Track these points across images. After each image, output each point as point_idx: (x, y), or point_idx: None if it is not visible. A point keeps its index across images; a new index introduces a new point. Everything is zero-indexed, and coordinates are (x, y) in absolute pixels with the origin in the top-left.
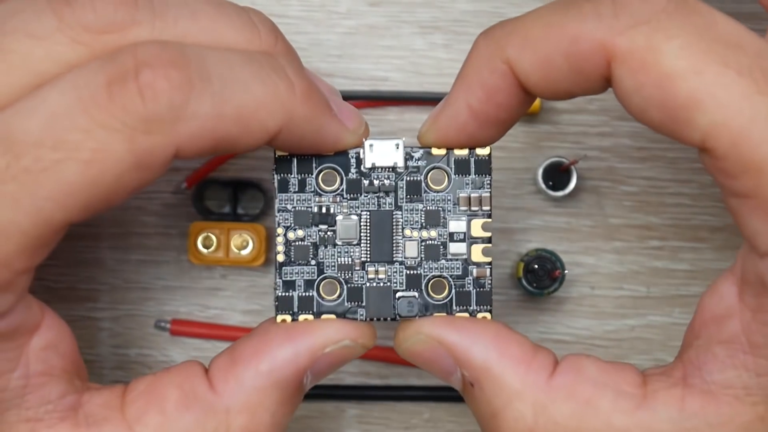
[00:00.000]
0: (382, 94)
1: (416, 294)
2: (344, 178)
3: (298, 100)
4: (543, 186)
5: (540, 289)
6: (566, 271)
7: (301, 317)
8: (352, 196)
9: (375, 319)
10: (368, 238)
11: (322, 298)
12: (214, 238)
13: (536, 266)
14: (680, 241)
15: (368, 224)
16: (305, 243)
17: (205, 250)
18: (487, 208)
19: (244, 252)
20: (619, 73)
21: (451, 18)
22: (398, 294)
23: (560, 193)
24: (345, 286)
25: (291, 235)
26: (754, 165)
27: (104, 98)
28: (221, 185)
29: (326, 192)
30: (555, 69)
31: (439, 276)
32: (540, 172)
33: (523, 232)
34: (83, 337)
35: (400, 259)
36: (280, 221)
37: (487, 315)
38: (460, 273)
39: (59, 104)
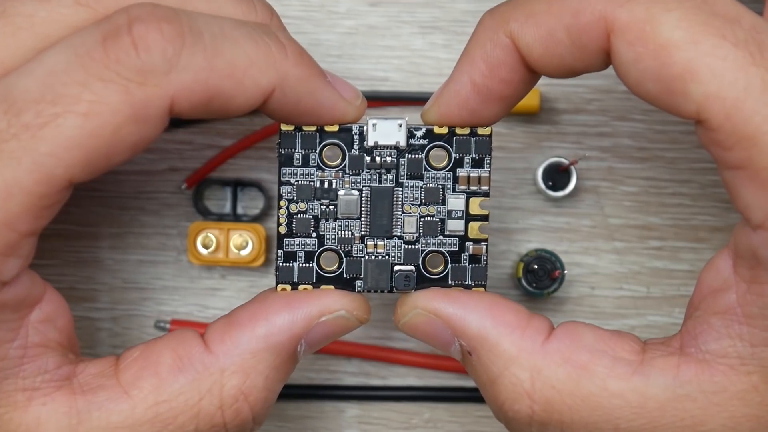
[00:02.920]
0: (382, 94)
1: (413, 268)
2: (347, 154)
3: (290, 61)
4: (543, 186)
5: (540, 289)
6: (566, 272)
7: (301, 287)
8: (353, 172)
9: (372, 290)
10: (368, 213)
11: (322, 270)
12: (213, 238)
13: (536, 266)
14: (680, 242)
15: (369, 200)
16: (307, 216)
17: (204, 251)
18: (486, 187)
19: (244, 252)
20: (618, 45)
21: (451, 18)
22: (396, 267)
23: (560, 193)
24: (344, 259)
25: (293, 207)
26: (746, 136)
27: (99, 52)
28: (221, 185)
29: (329, 167)
30: (557, 42)
31: (437, 251)
32: (540, 172)
33: (523, 232)
34: (82, 337)
35: (398, 234)
36: (283, 194)
37: (482, 290)
38: (456, 249)
39: (57, 62)
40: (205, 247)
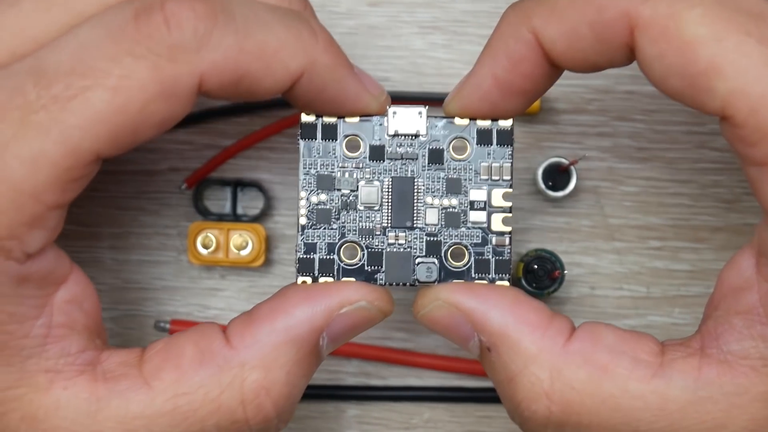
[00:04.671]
0: None
1: (435, 260)
2: (368, 144)
3: (320, 48)
4: (543, 186)
5: (540, 289)
6: (566, 272)
7: (322, 279)
8: (374, 162)
9: (394, 284)
10: (389, 204)
11: (343, 262)
12: (213, 238)
13: (536, 266)
14: (680, 242)
15: (390, 190)
16: (327, 207)
17: (204, 251)
18: (508, 178)
19: (244, 252)
20: (642, 41)
21: (451, 18)
22: (417, 260)
23: (560, 194)
24: (365, 251)
25: (314, 198)
26: None
27: (131, 28)
28: (221, 185)
29: (350, 157)
30: (580, 38)
31: (459, 243)
32: (540, 172)
33: (523, 232)
34: None
35: (420, 226)
36: (304, 185)
37: (506, 283)
38: (479, 241)
39: (89, 36)
40: (205, 247)
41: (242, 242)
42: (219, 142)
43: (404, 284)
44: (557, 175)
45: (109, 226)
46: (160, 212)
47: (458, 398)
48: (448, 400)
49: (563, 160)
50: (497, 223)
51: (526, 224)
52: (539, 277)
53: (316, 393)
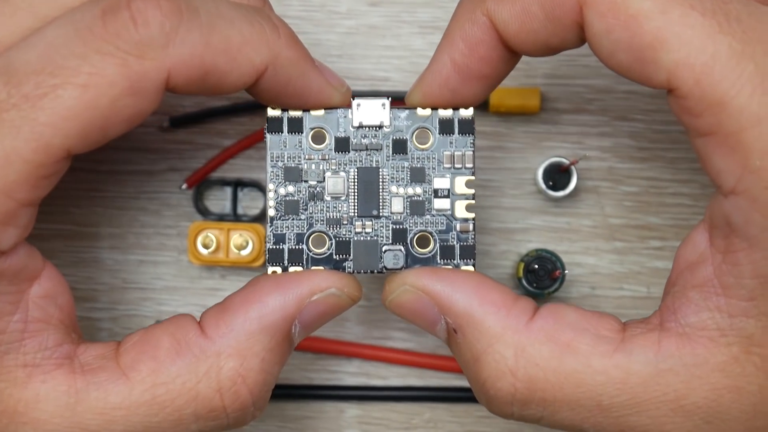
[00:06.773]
0: (383, 95)
1: (401, 248)
2: (333, 136)
3: (283, 42)
4: (543, 186)
5: (540, 289)
6: (566, 272)
7: (291, 269)
8: (340, 153)
9: (362, 271)
10: (356, 194)
11: (311, 251)
12: (213, 238)
13: (536, 266)
14: (680, 241)
15: (356, 180)
16: (295, 198)
17: (204, 251)
18: (470, 165)
19: (244, 252)
20: (590, 17)
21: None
22: (384, 247)
23: (560, 193)
24: (333, 240)
25: (282, 190)
26: (715, 101)
27: (99, 26)
28: (221, 185)
29: (316, 149)
30: (531, 18)
31: (424, 230)
32: (540, 172)
33: (523, 232)
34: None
35: (386, 214)
36: (272, 177)
37: (471, 268)
38: (444, 228)
39: (57, 35)
40: (206, 247)
41: (243, 242)
42: (219, 142)
43: (372, 272)
44: (558, 175)
45: (109, 226)
46: (160, 212)
47: (458, 398)
48: (449, 400)
49: (564, 160)
50: (461, 210)
51: (526, 224)
52: (540, 276)
53: (316, 393)
